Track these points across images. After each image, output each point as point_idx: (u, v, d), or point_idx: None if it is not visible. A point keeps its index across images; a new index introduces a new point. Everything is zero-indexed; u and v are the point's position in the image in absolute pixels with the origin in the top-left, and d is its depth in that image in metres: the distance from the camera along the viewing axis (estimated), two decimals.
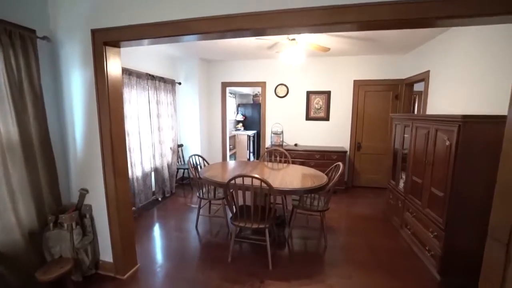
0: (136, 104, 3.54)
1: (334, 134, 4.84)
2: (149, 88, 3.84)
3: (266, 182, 2.12)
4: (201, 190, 3.04)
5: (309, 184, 2.48)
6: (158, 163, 4.10)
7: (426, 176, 2.43)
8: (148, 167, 3.87)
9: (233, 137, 6.44)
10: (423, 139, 2.52)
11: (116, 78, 2.00)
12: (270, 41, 3.51)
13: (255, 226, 2.29)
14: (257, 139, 7.23)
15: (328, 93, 4.76)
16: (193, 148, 4.96)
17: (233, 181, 2.18)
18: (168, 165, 4.34)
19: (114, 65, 1.98)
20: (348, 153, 4.60)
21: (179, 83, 4.73)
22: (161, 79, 4.12)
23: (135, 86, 3.51)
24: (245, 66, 5.03)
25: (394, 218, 3.17)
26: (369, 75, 4.55)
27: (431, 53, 3.42)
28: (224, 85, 5.22)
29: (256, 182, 2.14)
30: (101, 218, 2.13)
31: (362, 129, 4.72)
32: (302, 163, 4.48)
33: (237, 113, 7.35)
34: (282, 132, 4.94)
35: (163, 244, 2.84)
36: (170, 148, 4.39)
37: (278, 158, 3.75)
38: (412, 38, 3.37)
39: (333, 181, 2.57)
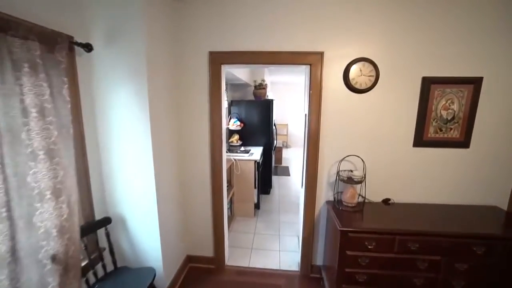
0: None
1: (476, 176, 2.11)
2: None
3: None
4: None
5: None
6: None
7: None
8: None
9: (227, 165, 3.44)
10: None
11: None
12: None
13: None
14: (265, 163, 4.25)
15: (475, 83, 1.98)
16: (141, 217, 1.90)
17: None
18: None
19: None
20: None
21: (88, 48, 1.59)
22: None
23: None
24: (268, 11, 2.03)
25: None
26: None
27: None
28: (216, 59, 2.16)
29: None
30: None
31: None
32: (411, 265, 1.67)
33: (230, 118, 4.29)
34: (364, 177, 2.05)
35: None
36: (51, 260, 1.29)
37: None
38: None
39: None
